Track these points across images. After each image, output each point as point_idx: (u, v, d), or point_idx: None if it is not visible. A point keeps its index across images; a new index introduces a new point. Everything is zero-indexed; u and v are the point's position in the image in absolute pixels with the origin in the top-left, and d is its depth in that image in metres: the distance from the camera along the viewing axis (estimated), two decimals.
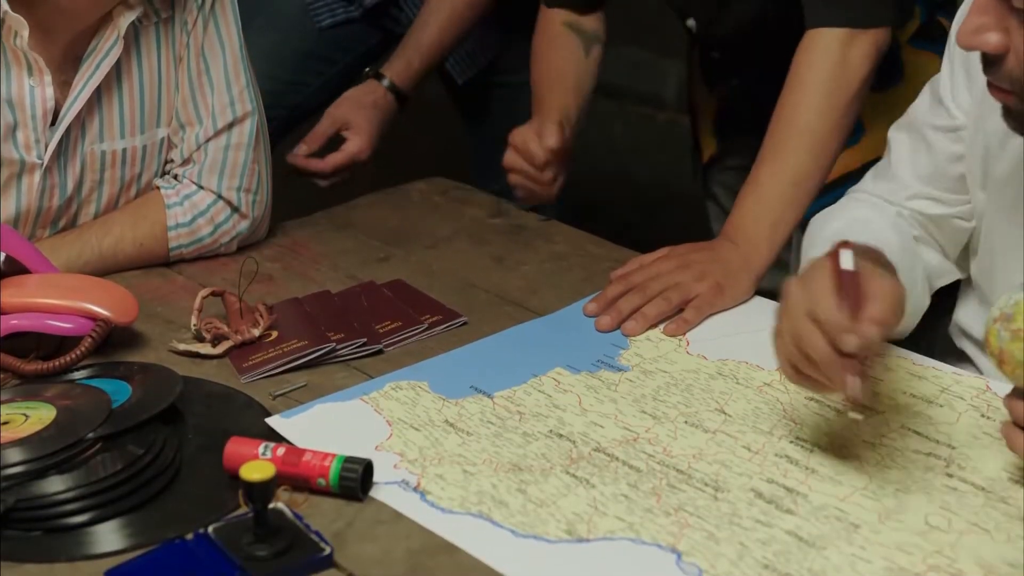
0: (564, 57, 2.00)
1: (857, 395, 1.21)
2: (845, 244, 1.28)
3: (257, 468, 1.18)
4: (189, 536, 1.22)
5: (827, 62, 1.65)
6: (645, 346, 1.55)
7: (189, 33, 1.73)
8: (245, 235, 1.80)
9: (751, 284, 1.64)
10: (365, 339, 1.53)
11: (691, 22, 1.98)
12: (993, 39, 1.23)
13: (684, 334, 1.57)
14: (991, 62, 1.26)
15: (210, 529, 1.22)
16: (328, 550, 1.19)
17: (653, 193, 3.59)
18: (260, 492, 1.18)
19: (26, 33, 1.61)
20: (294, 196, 1.98)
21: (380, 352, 1.54)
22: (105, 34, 1.67)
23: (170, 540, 1.22)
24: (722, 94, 2.16)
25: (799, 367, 1.26)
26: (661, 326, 1.59)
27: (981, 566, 1.17)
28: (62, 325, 1.52)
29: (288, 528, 1.21)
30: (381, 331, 1.56)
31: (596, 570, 1.18)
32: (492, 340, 1.56)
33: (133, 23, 1.68)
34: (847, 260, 1.25)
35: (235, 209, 1.78)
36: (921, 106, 1.58)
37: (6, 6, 1.60)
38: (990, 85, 1.29)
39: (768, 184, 1.66)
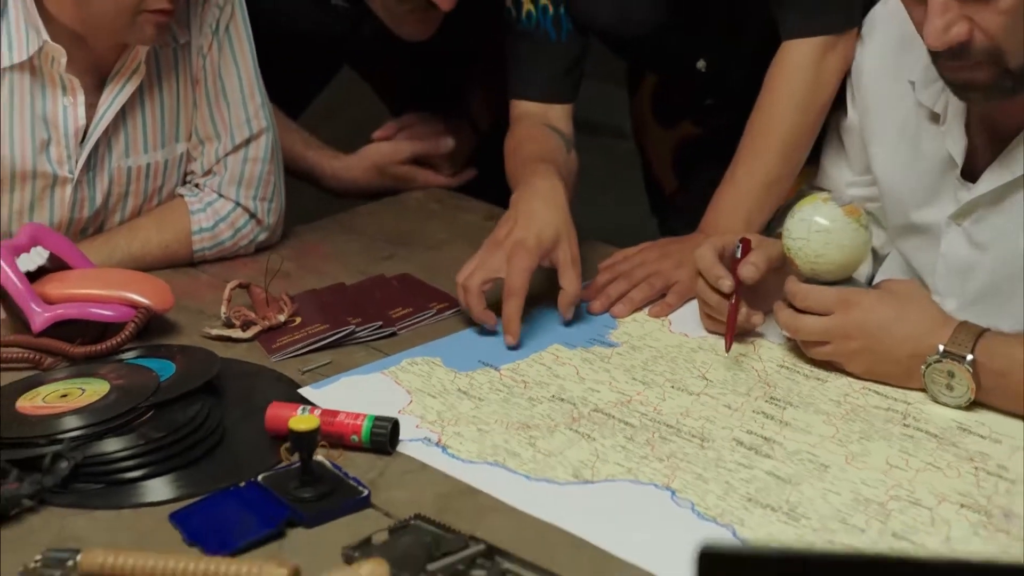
0: (549, 147, 1.94)
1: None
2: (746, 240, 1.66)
3: (303, 420, 1.35)
4: (242, 484, 1.38)
5: (801, 76, 1.80)
6: (632, 326, 1.73)
7: (205, 56, 1.89)
8: (262, 239, 1.97)
9: None
10: (381, 322, 1.70)
11: (701, 63, 2.03)
12: (963, 29, 1.44)
13: (667, 315, 1.75)
14: (959, 51, 1.46)
15: (259, 477, 1.38)
16: (366, 492, 1.35)
17: (619, 218, 3.76)
18: (306, 441, 1.34)
19: (64, 60, 1.77)
20: (300, 204, 2.14)
21: (394, 335, 1.71)
22: (128, 58, 1.83)
23: (225, 487, 1.38)
24: (686, 132, 2.31)
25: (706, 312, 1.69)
26: (646, 309, 1.76)
27: (935, 495, 1.35)
28: (105, 313, 1.68)
29: (329, 475, 1.37)
30: (394, 316, 1.73)
31: (601, 506, 1.35)
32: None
33: (153, 48, 1.84)
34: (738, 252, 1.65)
35: (252, 215, 1.95)
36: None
37: (46, 35, 1.77)
38: (959, 69, 1.49)
39: (744, 183, 1.83)
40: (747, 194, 1.82)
